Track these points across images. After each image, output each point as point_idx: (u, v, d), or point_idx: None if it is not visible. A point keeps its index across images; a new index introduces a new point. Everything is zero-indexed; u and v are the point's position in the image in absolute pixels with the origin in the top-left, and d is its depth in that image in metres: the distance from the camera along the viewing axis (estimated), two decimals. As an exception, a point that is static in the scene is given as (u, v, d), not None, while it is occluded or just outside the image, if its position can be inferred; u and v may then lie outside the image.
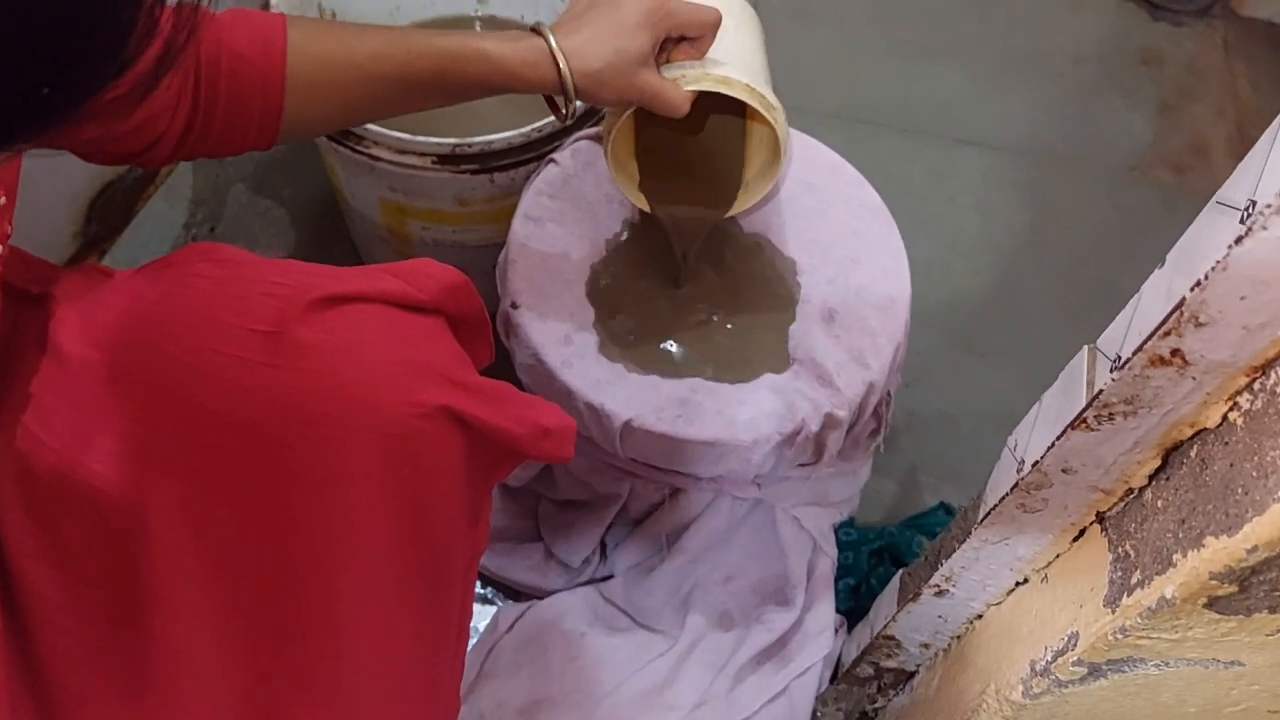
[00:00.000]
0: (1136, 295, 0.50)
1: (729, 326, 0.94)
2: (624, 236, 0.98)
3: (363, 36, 0.72)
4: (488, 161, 0.99)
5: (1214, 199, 0.43)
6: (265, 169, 1.27)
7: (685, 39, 0.79)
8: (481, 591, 1.05)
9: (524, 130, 0.98)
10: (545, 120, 0.98)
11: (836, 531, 1.05)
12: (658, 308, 0.95)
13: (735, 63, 0.81)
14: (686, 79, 0.77)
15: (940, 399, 1.20)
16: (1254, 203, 0.33)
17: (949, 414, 1.19)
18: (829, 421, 0.88)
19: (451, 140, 0.97)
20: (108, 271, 0.67)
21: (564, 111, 0.78)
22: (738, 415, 0.88)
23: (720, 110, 0.92)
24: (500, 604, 1.04)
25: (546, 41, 0.72)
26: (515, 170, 1.00)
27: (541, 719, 0.94)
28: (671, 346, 0.93)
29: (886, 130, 1.38)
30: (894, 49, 1.46)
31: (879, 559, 1.05)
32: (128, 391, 0.58)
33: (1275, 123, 0.39)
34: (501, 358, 0.90)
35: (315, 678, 0.61)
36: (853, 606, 1.03)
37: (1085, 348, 0.53)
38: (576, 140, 1.00)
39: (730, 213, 0.92)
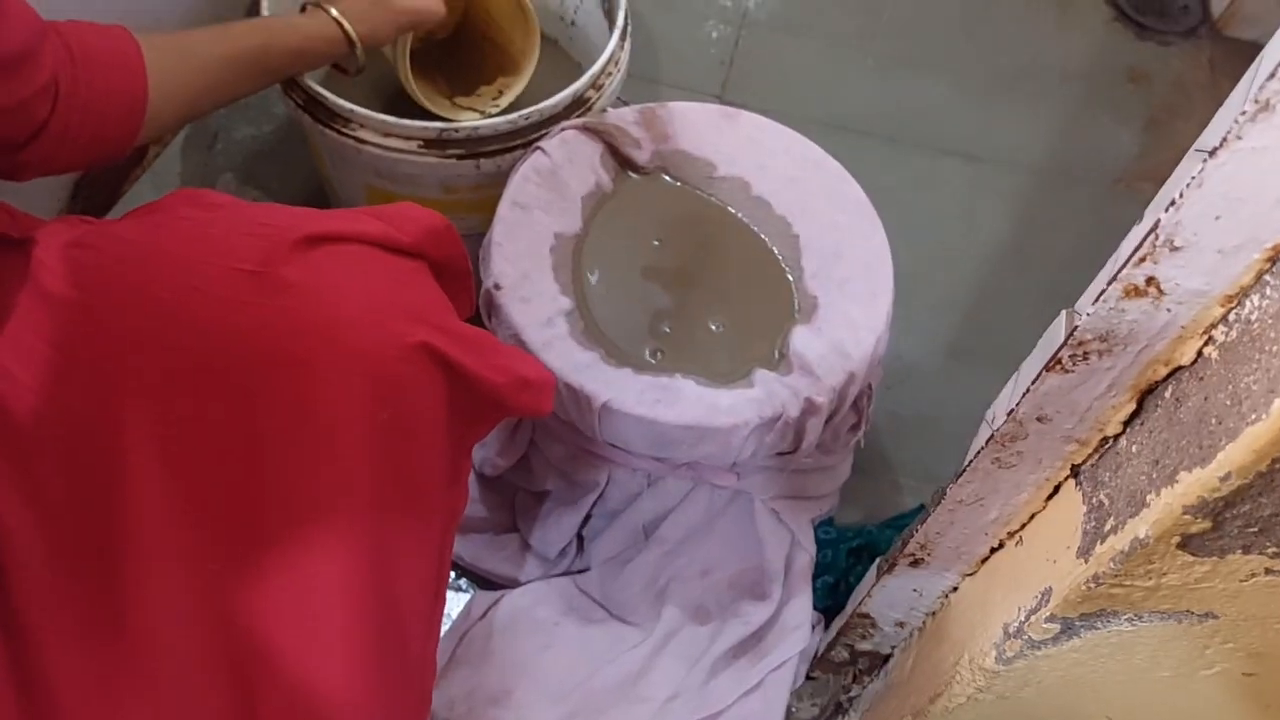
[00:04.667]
0: (1113, 256, 0.50)
1: (720, 329, 0.94)
2: (607, 225, 0.98)
3: (190, 31, 0.81)
4: (474, 147, 0.99)
5: (1191, 149, 0.43)
6: (253, 159, 1.27)
7: None
8: (456, 581, 1.04)
9: (511, 117, 0.98)
10: (532, 109, 0.99)
11: (815, 529, 1.05)
12: (645, 301, 0.95)
13: None
14: None
15: (922, 403, 1.20)
16: (1233, 125, 0.33)
17: (931, 418, 1.19)
18: (808, 408, 0.87)
19: (438, 125, 0.97)
20: (91, 220, 0.67)
21: (351, 70, 0.95)
22: (718, 400, 0.87)
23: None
24: (474, 593, 1.03)
25: (327, 11, 0.90)
26: (502, 157, 1.00)
27: (513, 707, 0.93)
28: (658, 346, 0.92)
29: (873, 139, 1.39)
30: (881, 62, 1.47)
31: (857, 558, 1.04)
32: (108, 332, 0.58)
33: (1256, 61, 0.39)
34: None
35: (285, 622, 0.60)
36: (830, 604, 1.02)
37: (1063, 311, 0.53)
38: (564, 130, 1.00)
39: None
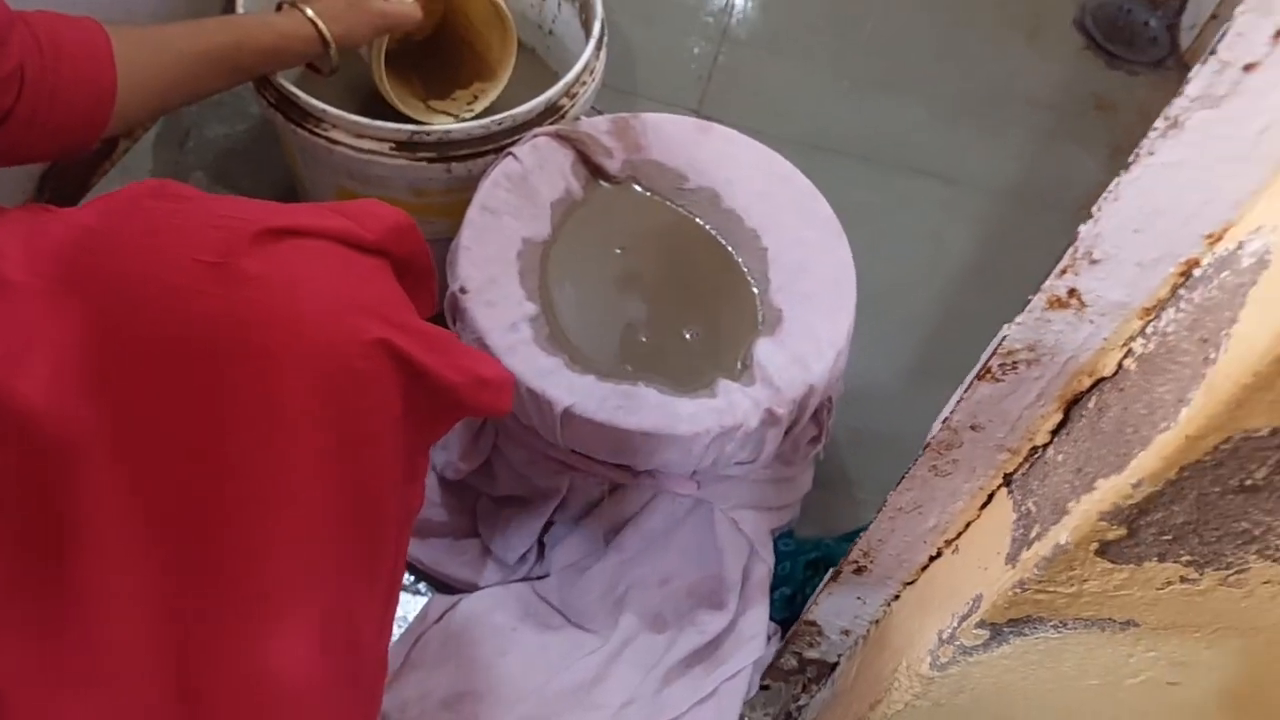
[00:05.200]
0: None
1: (685, 339, 0.95)
2: (575, 232, 0.99)
3: (163, 26, 0.82)
4: (445, 151, 0.99)
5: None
6: (225, 158, 1.27)
7: None
8: (414, 585, 1.04)
9: (483, 122, 0.99)
10: (505, 114, 1.00)
11: (775, 541, 1.05)
12: (611, 309, 0.95)
13: None
14: None
15: (885, 419, 1.21)
16: (1146, 141, 0.34)
17: (892, 434, 1.20)
18: (768, 418, 0.88)
19: (410, 127, 0.97)
20: (53, 209, 0.67)
21: (325, 70, 0.96)
22: (679, 408, 0.88)
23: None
24: (431, 596, 1.03)
25: (303, 11, 0.90)
26: (473, 162, 1.01)
27: (466, 712, 0.93)
28: (623, 353, 0.93)
29: (846, 158, 1.41)
30: (857, 83, 1.49)
31: (815, 570, 1.05)
32: (68, 318, 0.58)
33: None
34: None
35: (235, 622, 0.60)
36: (787, 616, 1.02)
37: (1005, 325, 0.54)
38: (535, 136, 1.01)
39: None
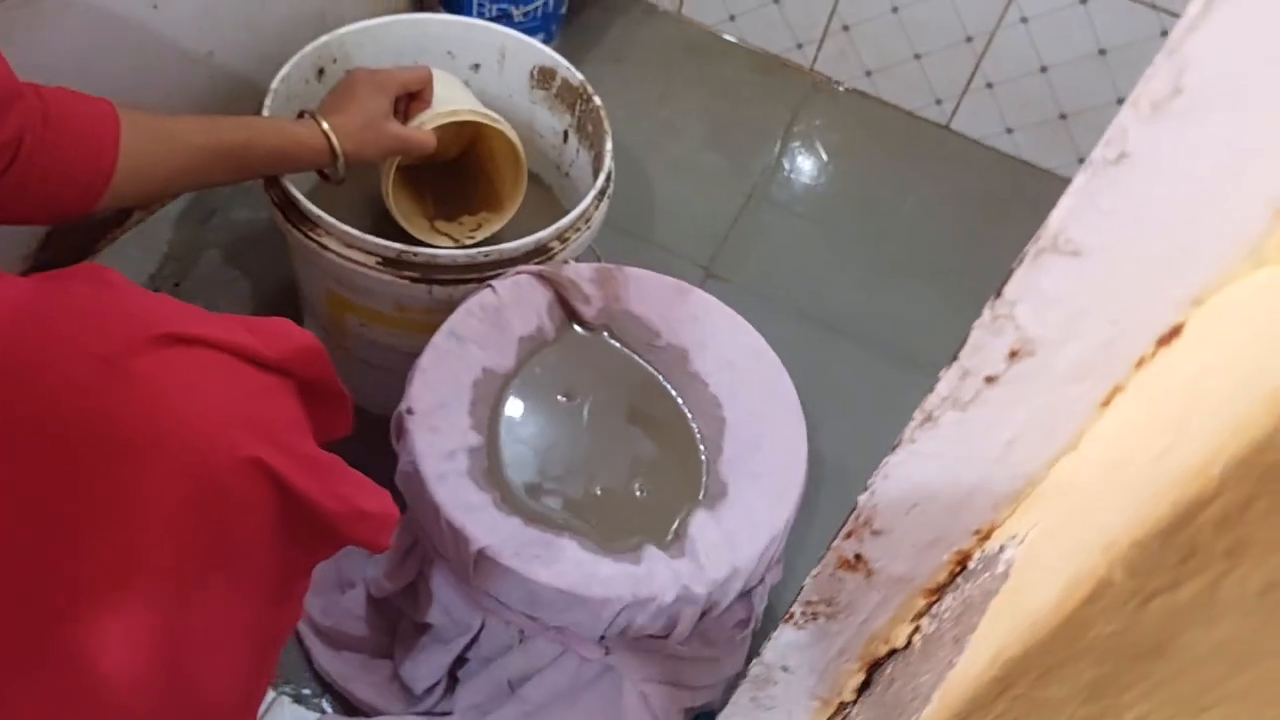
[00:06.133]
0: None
1: (625, 497, 0.94)
2: (538, 371, 1.00)
3: (181, 117, 0.85)
4: (429, 273, 1.01)
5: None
6: (242, 242, 1.31)
7: (411, 96, 1.05)
8: (317, 697, 1.02)
9: (469, 251, 1.01)
10: (492, 248, 1.02)
11: (691, 721, 1.01)
12: (557, 453, 0.95)
13: (454, 101, 1.08)
14: (425, 122, 1.04)
15: (835, 609, 1.17)
16: (907, 428, 0.33)
17: (840, 627, 1.16)
18: (684, 595, 0.86)
19: (399, 246, 1.00)
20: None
21: (333, 179, 1.00)
22: (597, 569, 0.86)
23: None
24: (328, 711, 1.00)
25: (318, 122, 0.94)
26: (454, 287, 1.02)
27: (327, 844, 0.89)
28: (557, 501, 0.92)
29: (843, 336, 1.40)
30: (876, 265, 1.50)
31: (726, 759, 1.00)
32: None
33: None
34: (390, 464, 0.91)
35: (59, 714, 0.59)
36: (689, 803, 0.98)
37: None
38: (518, 273, 1.02)
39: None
